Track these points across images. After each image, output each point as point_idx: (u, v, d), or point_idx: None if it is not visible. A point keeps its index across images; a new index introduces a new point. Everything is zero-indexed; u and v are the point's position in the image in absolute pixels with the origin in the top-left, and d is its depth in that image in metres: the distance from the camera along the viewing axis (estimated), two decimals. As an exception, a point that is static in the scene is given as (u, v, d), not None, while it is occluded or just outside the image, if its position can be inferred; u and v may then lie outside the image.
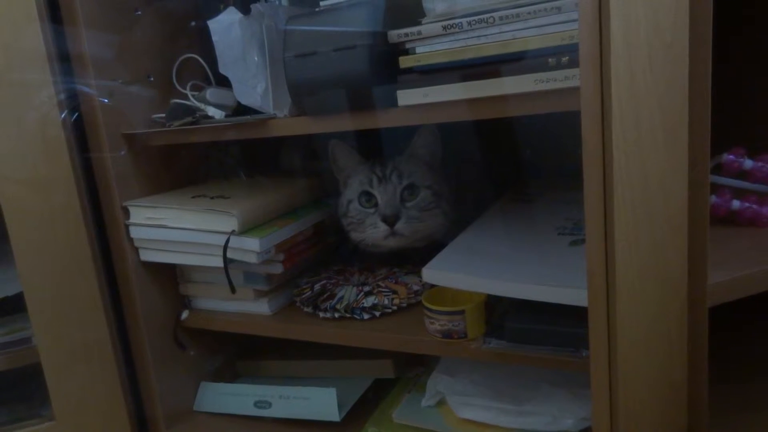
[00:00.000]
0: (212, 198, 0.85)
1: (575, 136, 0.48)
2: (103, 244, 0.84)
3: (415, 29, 0.64)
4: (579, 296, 0.54)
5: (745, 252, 0.59)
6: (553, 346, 0.66)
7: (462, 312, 0.70)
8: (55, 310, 0.78)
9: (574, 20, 0.56)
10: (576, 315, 0.55)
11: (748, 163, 0.66)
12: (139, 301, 0.85)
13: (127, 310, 0.86)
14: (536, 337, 0.66)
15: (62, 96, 0.76)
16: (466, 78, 0.61)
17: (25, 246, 0.76)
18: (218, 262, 0.80)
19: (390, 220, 0.81)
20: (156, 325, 0.88)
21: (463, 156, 0.96)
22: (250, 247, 0.79)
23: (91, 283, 0.80)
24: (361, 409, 0.86)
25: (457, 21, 0.61)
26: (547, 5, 0.57)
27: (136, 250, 0.85)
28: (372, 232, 0.83)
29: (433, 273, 0.69)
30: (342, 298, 0.82)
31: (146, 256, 0.86)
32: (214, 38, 0.77)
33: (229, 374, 1.02)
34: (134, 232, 0.84)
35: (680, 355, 0.48)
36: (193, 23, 0.92)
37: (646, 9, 0.43)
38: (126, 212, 0.84)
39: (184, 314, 0.92)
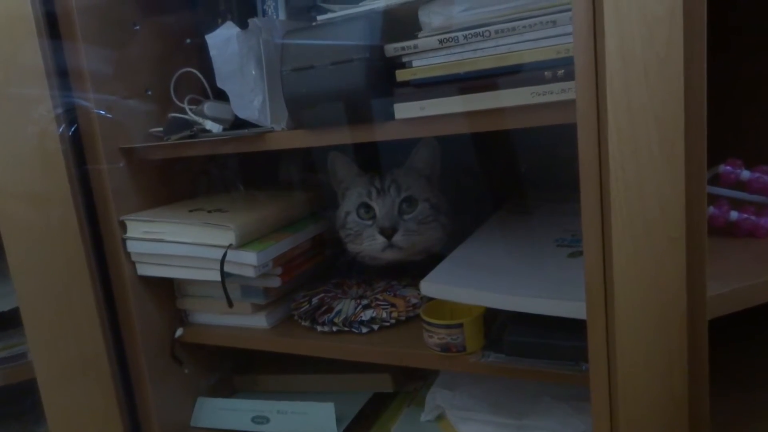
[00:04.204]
0: (210, 212, 0.84)
1: (572, 147, 0.48)
2: (100, 259, 0.83)
3: (411, 43, 0.64)
4: (578, 309, 0.53)
5: (744, 263, 0.58)
6: (552, 360, 0.65)
7: (460, 325, 0.69)
8: (52, 325, 0.78)
9: (569, 34, 0.56)
10: (575, 328, 0.55)
11: (746, 174, 0.66)
12: (135, 316, 0.85)
13: (123, 325, 0.85)
14: (535, 351, 0.66)
15: (60, 110, 0.76)
16: (462, 91, 0.61)
17: (22, 260, 0.75)
18: (216, 277, 0.80)
19: (388, 233, 0.81)
20: (153, 339, 0.88)
21: (462, 168, 0.96)
22: (247, 261, 0.79)
23: (87, 298, 0.79)
24: (360, 424, 0.86)
25: (453, 35, 0.62)
26: (543, 19, 0.58)
27: (133, 264, 0.85)
28: (369, 244, 0.83)
29: (431, 286, 0.69)
30: (340, 311, 0.82)
31: (143, 270, 0.85)
32: (212, 52, 0.77)
33: (226, 389, 1.01)
34: (131, 247, 0.84)
35: (680, 367, 0.48)
36: (190, 38, 0.93)
37: (640, 23, 0.43)
38: (123, 226, 0.83)
39: (179, 332, 0.91)
